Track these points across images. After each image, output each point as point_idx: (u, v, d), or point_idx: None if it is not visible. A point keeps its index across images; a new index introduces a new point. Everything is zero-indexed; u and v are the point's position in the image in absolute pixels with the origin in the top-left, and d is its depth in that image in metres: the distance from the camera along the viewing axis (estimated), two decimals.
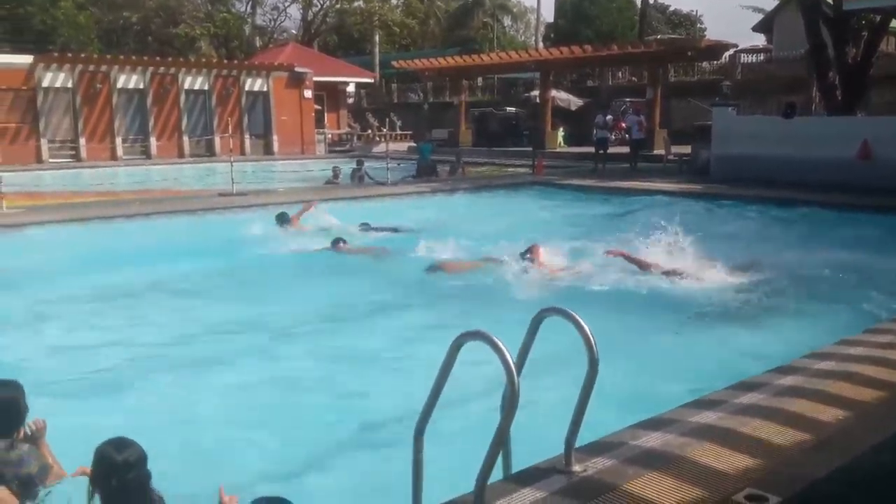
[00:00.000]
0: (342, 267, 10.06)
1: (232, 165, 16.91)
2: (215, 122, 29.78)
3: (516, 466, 3.65)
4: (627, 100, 31.59)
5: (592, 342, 3.35)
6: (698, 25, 54.42)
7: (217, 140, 29.03)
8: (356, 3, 46.82)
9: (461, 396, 4.52)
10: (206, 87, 29.86)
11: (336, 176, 20.22)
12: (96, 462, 3.26)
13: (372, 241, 11.79)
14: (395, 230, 12.70)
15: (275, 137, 31.34)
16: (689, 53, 28.74)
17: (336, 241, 10.94)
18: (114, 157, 27.50)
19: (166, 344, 7.10)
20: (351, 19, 47.61)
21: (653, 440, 3.87)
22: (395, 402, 5.19)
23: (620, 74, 38.25)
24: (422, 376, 5.45)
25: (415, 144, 31.08)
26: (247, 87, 30.84)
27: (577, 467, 3.53)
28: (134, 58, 30.46)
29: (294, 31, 53.11)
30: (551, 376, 5.03)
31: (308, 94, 32.37)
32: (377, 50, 46.19)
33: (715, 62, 34.42)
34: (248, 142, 30.53)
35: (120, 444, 3.30)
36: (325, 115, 36.32)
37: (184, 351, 6.90)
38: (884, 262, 9.22)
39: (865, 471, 3.59)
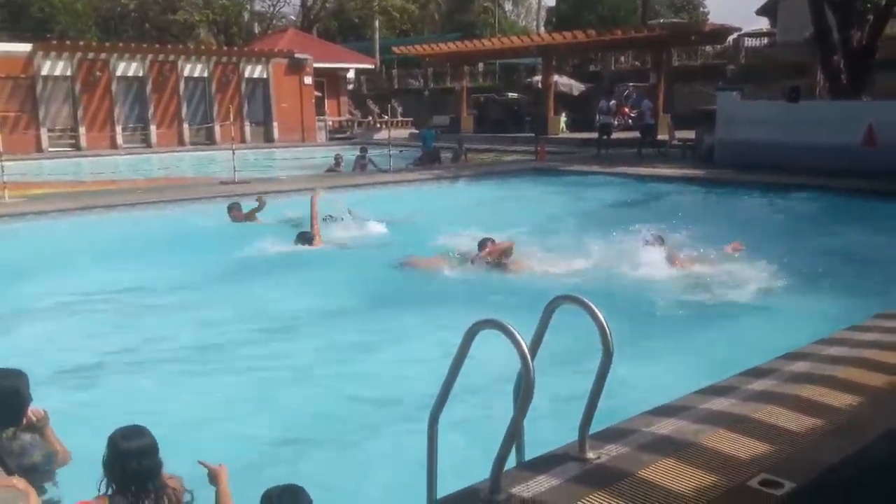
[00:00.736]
0: (307, 263, 9.59)
1: (234, 153, 16.86)
2: (215, 110, 29.70)
3: (529, 454, 3.66)
4: (631, 84, 31.43)
5: (607, 330, 3.33)
6: (701, 9, 54.12)
7: (217, 128, 28.96)
8: None
9: (470, 384, 4.50)
10: (205, 75, 29.76)
11: (338, 164, 20.15)
12: (108, 448, 3.31)
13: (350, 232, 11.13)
14: (380, 220, 11.92)
15: (275, 125, 31.25)
16: (693, 37, 28.62)
17: (301, 237, 10.36)
18: (114, 145, 27.45)
19: (173, 332, 7.10)
20: (350, 4, 47.36)
21: (666, 427, 3.86)
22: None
23: (623, 59, 38.08)
24: (377, 377, 5.45)
25: (416, 131, 31.00)
26: (246, 74, 30.72)
27: (591, 454, 3.52)
28: (133, 45, 30.32)
29: (293, 17, 52.88)
30: (559, 364, 5.02)
31: (308, 80, 32.24)
32: (377, 35, 45.95)
33: (718, 46, 34.24)
34: (248, 129, 30.45)
35: (130, 432, 3.33)
36: (326, 101, 36.19)
37: (190, 338, 6.91)
38: (891, 247, 9.19)
39: (878, 456, 3.58)
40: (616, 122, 25.31)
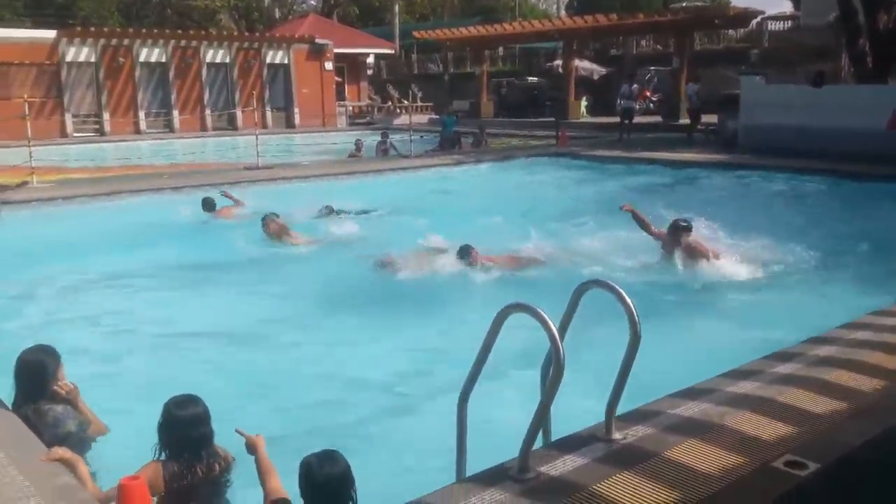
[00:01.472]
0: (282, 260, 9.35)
1: (257, 139, 17.00)
2: (237, 96, 29.84)
3: (555, 435, 3.74)
4: (652, 68, 31.19)
5: (635, 315, 3.40)
6: None
7: (239, 113, 29.12)
8: None
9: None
10: (227, 60, 29.88)
11: (359, 149, 20.22)
12: (162, 416, 3.44)
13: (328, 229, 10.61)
14: (364, 212, 11.65)
15: (296, 110, 31.34)
16: (716, 21, 28.25)
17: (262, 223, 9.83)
18: (137, 131, 27.68)
19: (212, 309, 7.27)
20: None
21: (691, 409, 3.93)
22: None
23: (644, 43, 37.70)
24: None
25: (436, 116, 30.97)
26: (268, 60, 30.78)
27: (617, 435, 3.61)
28: (156, 31, 30.48)
29: (313, 2, 52.86)
30: (585, 347, 5.07)
31: (329, 66, 32.27)
32: (397, 20, 45.82)
33: (742, 30, 33.80)
34: (269, 115, 30.57)
35: (184, 400, 3.46)
36: (346, 87, 36.22)
37: (227, 317, 7.06)
38: None
39: None
40: (637, 107, 25.13)
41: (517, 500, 3.09)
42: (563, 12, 47.42)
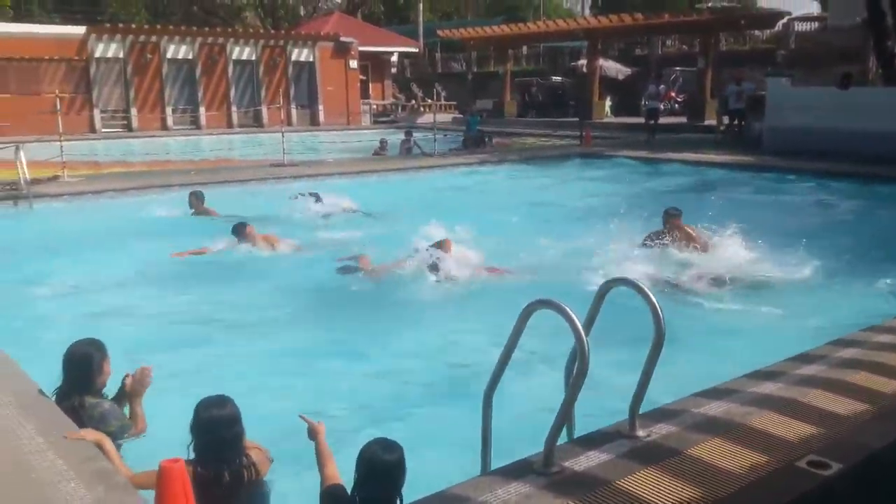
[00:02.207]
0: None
1: (283, 136, 17.16)
2: (263, 93, 30.10)
3: (578, 432, 3.80)
4: (678, 69, 31.02)
5: (660, 314, 3.44)
6: None
7: (265, 110, 29.37)
8: None
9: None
10: (253, 58, 30.15)
11: (383, 147, 20.34)
12: (193, 417, 3.44)
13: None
14: (353, 210, 11.60)
15: (321, 108, 31.56)
16: (742, 22, 28.09)
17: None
18: (164, 127, 28.02)
19: (232, 306, 7.36)
20: None
21: (714, 408, 3.96)
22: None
23: (669, 43, 37.50)
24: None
25: (460, 115, 31.04)
26: (293, 58, 31.02)
27: (641, 432, 3.65)
28: (183, 28, 30.82)
29: (338, 0, 53.05)
30: (610, 345, 5.11)
31: (353, 64, 32.46)
32: (421, 19, 45.92)
33: (768, 31, 33.52)
34: (294, 112, 30.80)
35: (211, 402, 3.43)
36: (370, 85, 36.38)
37: (248, 314, 7.15)
38: None
39: None
40: (662, 107, 25.00)
41: (542, 493, 3.15)
42: (587, 11, 47.21)
